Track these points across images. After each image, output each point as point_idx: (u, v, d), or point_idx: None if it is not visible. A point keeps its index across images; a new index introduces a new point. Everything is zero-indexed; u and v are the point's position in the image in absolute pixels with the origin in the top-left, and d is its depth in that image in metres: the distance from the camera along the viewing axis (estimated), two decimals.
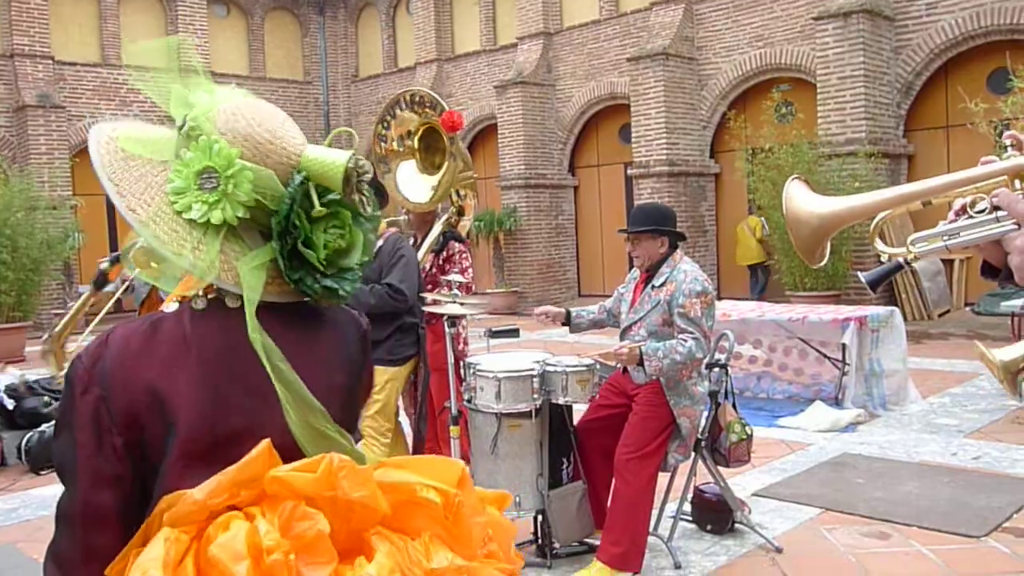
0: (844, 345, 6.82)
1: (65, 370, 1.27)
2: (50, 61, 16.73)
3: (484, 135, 18.34)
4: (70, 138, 16.68)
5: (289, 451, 1.21)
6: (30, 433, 6.18)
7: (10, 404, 6.19)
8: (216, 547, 1.08)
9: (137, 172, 1.27)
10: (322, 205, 1.27)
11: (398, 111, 5.70)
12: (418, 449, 4.79)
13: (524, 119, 16.40)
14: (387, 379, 4.46)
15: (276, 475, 1.15)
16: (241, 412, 1.23)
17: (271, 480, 1.15)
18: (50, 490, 5.68)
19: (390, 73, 20.16)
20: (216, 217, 1.22)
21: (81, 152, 17.07)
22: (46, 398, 6.56)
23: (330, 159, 1.28)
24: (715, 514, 4.42)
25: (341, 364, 1.39)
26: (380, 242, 4.54)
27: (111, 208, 18.22)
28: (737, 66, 14.07)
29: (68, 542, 1.21)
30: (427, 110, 5.58)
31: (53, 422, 6.39)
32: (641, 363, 3.80)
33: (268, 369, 1.22)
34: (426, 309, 4.54)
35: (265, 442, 1.17)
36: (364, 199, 1.33)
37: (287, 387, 1.23)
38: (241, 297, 1.24)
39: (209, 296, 1.28)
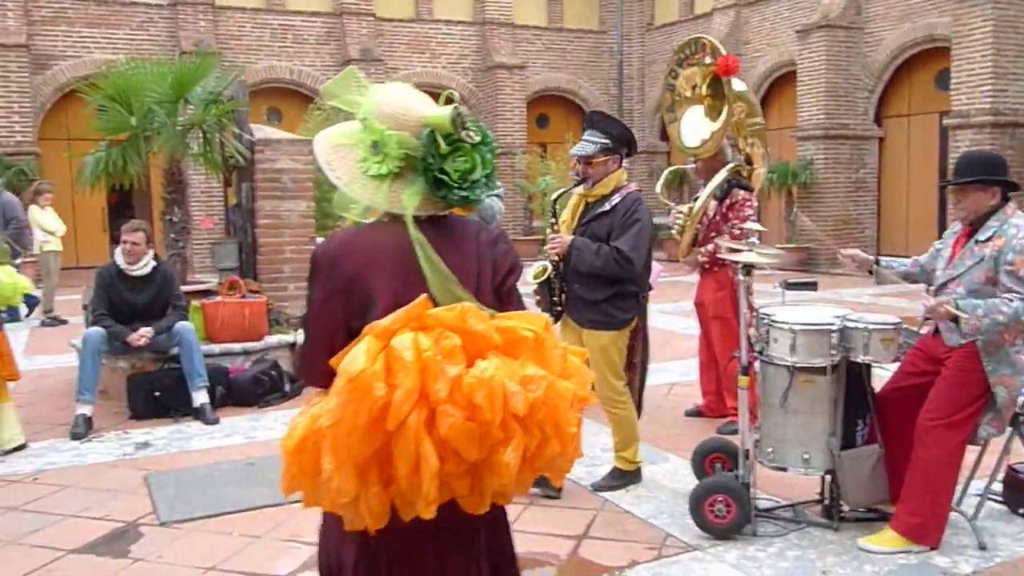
0: None
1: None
2: (372, 18, 18.23)
3: (781, 83, 17.51)
4: None
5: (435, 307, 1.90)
6: None
7: None
8: (395, 341, 1.77)
9: (341, 154, 2.01)
10: (446, 144, 1.93)
11: (680, 70, 5.66)
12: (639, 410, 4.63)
13: (827, 65, 15.43)
14: (606, 341, 4.30)
15: (431, 313, 1.82)
16: (411, 284, 1.90)
17: (428, 316, 1.82)
18: None
19: (685, 20, 19.77)
20: (384, 169, 1.95)
21: None
22: None
23: (442, 114, 1.94)
24: None
25: (473, 255, 2.04)
26: (616, 199, 4.30)
27: None
28: None
29: (307, 344, 2.05)
30: (706, 57, 5.48)
31: None
32: (956, 320, 3.52)
33: (419, 253, 1.91)
34: (719, 256, 4.48)
35: (423, 296, 1.85)
36: (469, 132, 1.96)
37: (432, 265, 1.92)
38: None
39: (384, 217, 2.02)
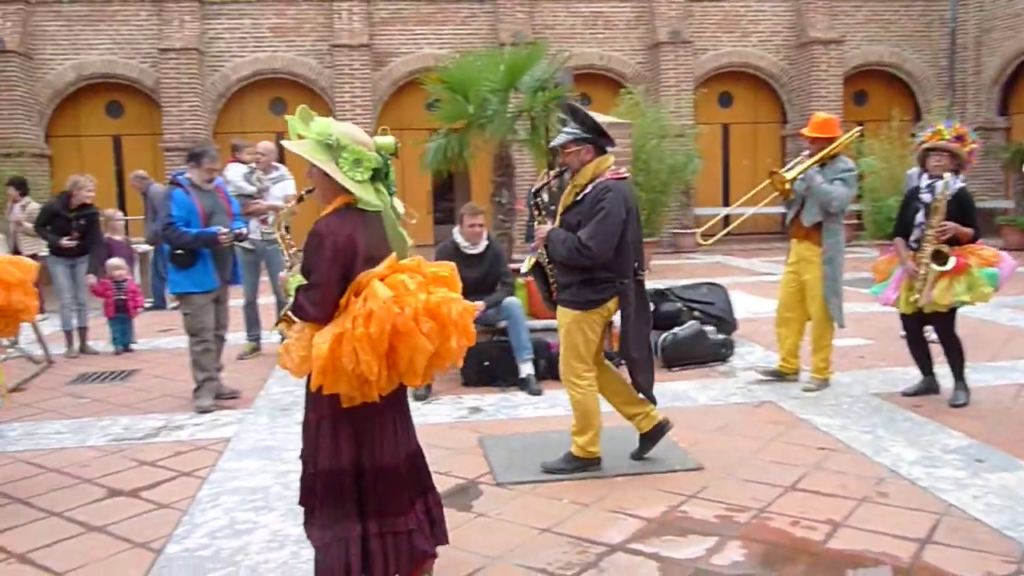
0: None
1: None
2: None
3: None
4: (694, 71, 17.94)
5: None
6: (665, 334, 7.00)
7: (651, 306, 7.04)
8: (400, 278, 2.90)
9: (329, 168, 2.97)
10: (385, 162, 3.09)
11: None
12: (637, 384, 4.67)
13: None
14: (569, 320, 4.51)
15: (401, 263, 2.99)
16: (380, 247, 3.02)
17: (399, 265, 2.97)
18: (681, 385, 6.38)
19: None
20: (366, 176, 3.00)
21: (705, 82, 18.29)
22: (680, 305, 7.32)
23: (389, 141, 3.08)
24: None
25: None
26: (589, 189, 4.41)
27: (726, 136, 19.25)
28: None
29: (318, 292, 2.94)
30: None
31: (686, 324, 7.15)
32: None
33: (390, 225, 3.12)
34: None
35: (393, 253, 3.01)
36: (397, 155, 3.15)
37: (396, 232, 3.12)
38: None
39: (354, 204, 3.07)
